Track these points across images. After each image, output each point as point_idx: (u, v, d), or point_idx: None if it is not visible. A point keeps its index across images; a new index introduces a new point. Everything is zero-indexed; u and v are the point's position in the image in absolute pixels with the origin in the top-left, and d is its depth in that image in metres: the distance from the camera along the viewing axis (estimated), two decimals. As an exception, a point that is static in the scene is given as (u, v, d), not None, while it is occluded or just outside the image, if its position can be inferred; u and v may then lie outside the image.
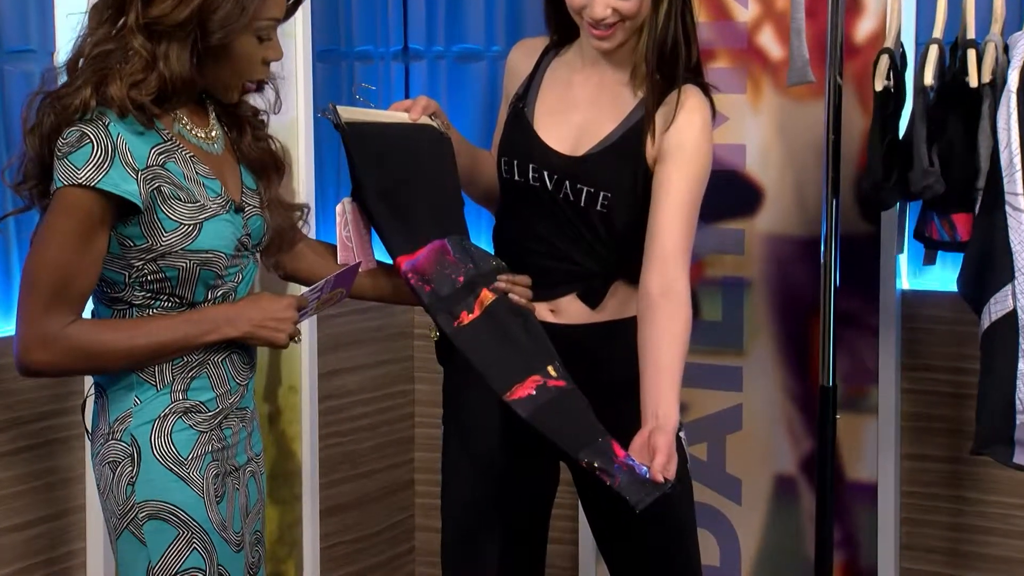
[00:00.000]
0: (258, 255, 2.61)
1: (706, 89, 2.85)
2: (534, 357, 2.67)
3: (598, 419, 2.64)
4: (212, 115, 2.54)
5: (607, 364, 2.88)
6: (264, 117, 2.62)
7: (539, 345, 2.69)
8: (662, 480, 2.52)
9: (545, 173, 2.86)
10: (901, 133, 3.45)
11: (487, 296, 2.70)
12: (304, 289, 2.58)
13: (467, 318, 2.67)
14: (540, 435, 2.60)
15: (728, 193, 3.83)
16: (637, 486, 2.51)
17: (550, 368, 2.66)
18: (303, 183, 3.60)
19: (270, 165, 2.60)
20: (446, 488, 3.00)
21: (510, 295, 2.74)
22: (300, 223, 2.69)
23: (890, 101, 3.40)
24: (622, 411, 2.70)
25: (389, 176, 2.77)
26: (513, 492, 2.94)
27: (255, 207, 2.55)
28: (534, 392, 2.60)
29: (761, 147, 3.85)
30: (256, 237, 2.56)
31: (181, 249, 2.41)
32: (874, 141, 3.40)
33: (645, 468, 2.55)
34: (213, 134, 2.52)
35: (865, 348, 3.80)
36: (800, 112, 3.80)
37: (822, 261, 3.44)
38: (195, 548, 2.44)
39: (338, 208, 2.77)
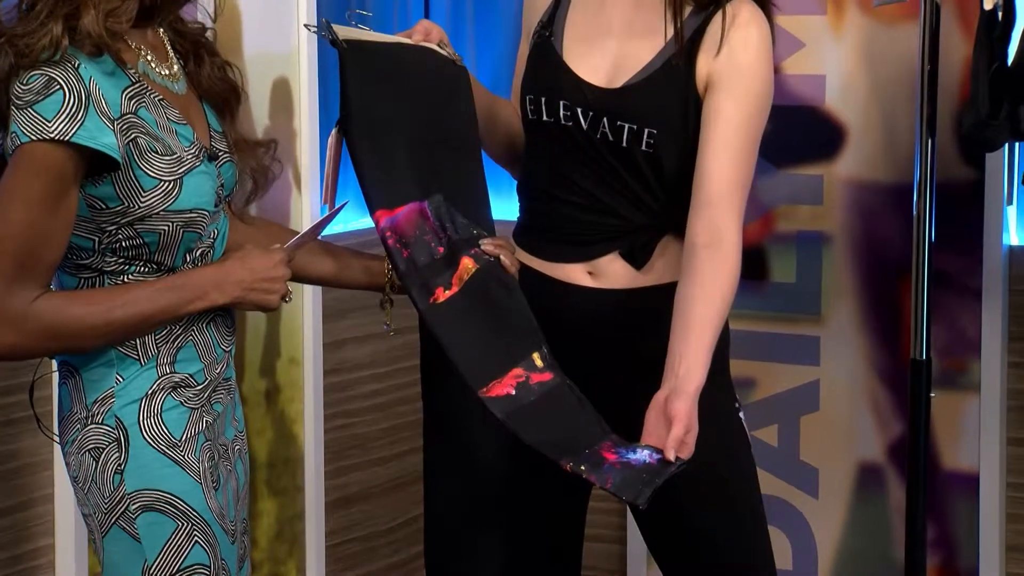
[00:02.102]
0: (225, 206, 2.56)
1: (765, 6, 2.75)
2: (518, 342, 2.59)
3: (635, 399, 2.55)
4: (168, 46, 2.47)
5: (652, 336, 2.71)
6: (211, 35, 2.55)
7: (525, 326, 2.61)
8: (674, 458, 2.43)
9: (579, 110, 2.74)
10: (1010, 60, 3.34)
11: (467, 267, 2.61)
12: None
13: (443, 295, 2.59)
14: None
15: (804, 132, 3.82)
16: (634, 479, 2.41)
17: (535, 357, 2.57)
18: (305, 121, 3.60)
19: (231, 97, 2.53)
20: (429, 486, 2.93)
21: (502, 258, 2.66)
22: (268, 161, 2.61)
23: (998, 22, 3.31)
24: None
25: (385, 107, 2.67)
26: (520, 486, 2.84)
27: (226, 152, 2.49)
28: (513, 392, 2.52)
29: (844, 78, 3.82)
30: (229, 187, 2.50)
31: (162, 210, 2.35)
32: (979, 70, 3.31)
33: (646, 453, 2.44)
34: (175, 70, 2.45)
35: (965, 315, 3.74)
36: (890, 36, 3.76)
37: (915, 213, 3.39)
38: (196, 541, 2.39)
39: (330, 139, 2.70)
